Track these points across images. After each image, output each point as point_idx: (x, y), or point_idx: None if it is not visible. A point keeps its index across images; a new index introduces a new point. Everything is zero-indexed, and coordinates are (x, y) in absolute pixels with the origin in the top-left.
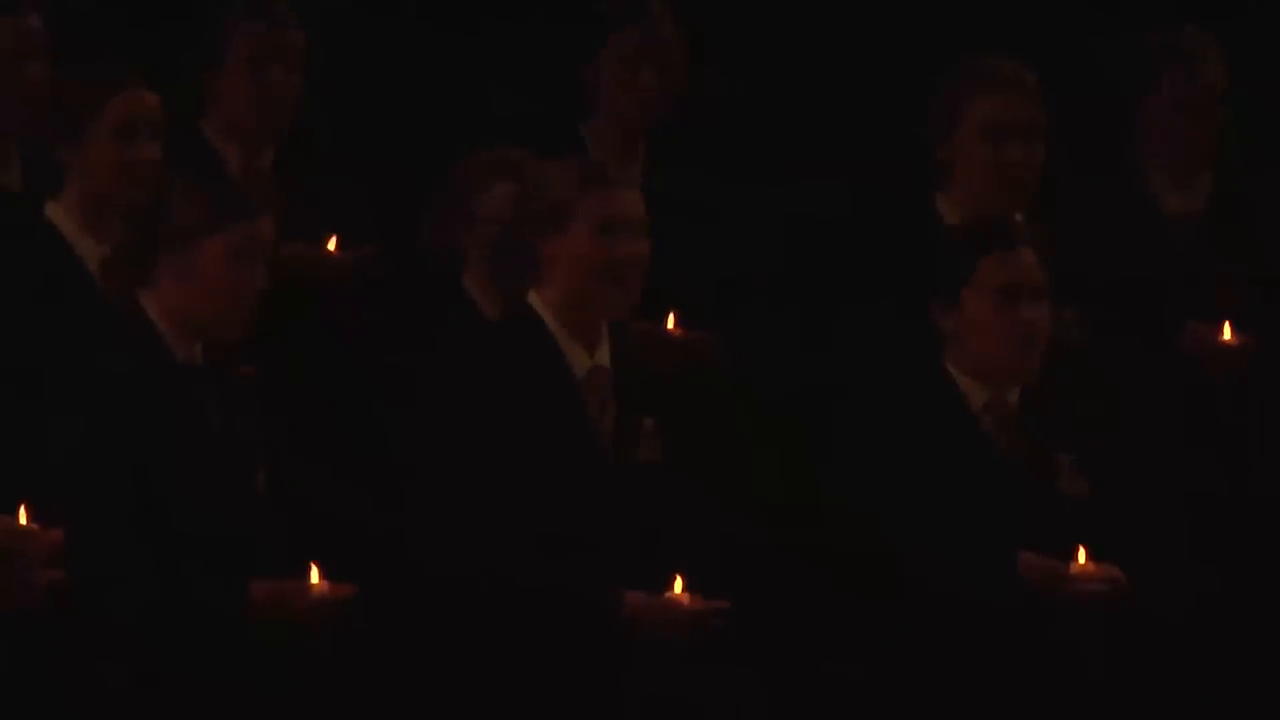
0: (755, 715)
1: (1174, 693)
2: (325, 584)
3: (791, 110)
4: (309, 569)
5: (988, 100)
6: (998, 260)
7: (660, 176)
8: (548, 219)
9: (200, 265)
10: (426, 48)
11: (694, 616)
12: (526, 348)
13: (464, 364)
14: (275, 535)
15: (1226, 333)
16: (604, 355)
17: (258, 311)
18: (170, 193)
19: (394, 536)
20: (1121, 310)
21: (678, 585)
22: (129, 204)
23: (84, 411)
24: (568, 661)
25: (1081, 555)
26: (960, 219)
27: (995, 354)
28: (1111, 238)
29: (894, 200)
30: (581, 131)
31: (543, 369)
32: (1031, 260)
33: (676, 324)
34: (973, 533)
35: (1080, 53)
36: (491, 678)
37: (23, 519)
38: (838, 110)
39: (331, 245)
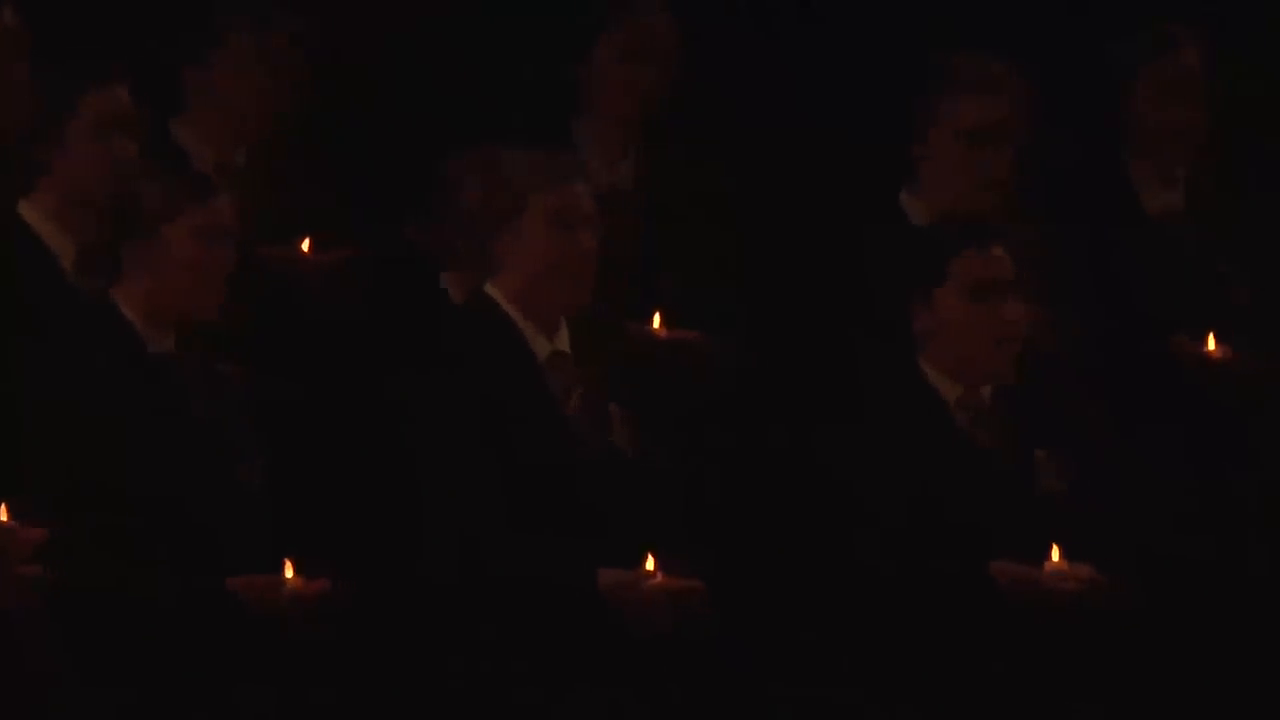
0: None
1: (1147, 689)
2: (300, 579)
3: (770, 107)
4: (284, 565)
5: (962, 102)
6: (970, 257)
7: (652, 173)
8: (500, 213)
9: (165, 250)
10: (414, 45)
11: (668, 594)
12: (485, 333)
13: (429, 352)
14: (253, 527)
15: (1211, 344)
16: (564, 341)
17: (226, 295)
18: (134, 185)
19: (372, 527)
20: (1105, 311)
21: (650, 563)
22: (104, 201)
23: (61, 408)
24: (544, 641)
25: (1055, 553)
26: (929, 218)
27: (970, 351)
28: (1095, 238)
29: (863, 199)
30: (573, 129)
31: (502, 353)
32: (1004, 257)
33: (663, 324)
34: (949, 530)
35: (1065, 49)
36: (468, 659)
37: (4, 516)
38: (814, 107)
39: (305, 246)
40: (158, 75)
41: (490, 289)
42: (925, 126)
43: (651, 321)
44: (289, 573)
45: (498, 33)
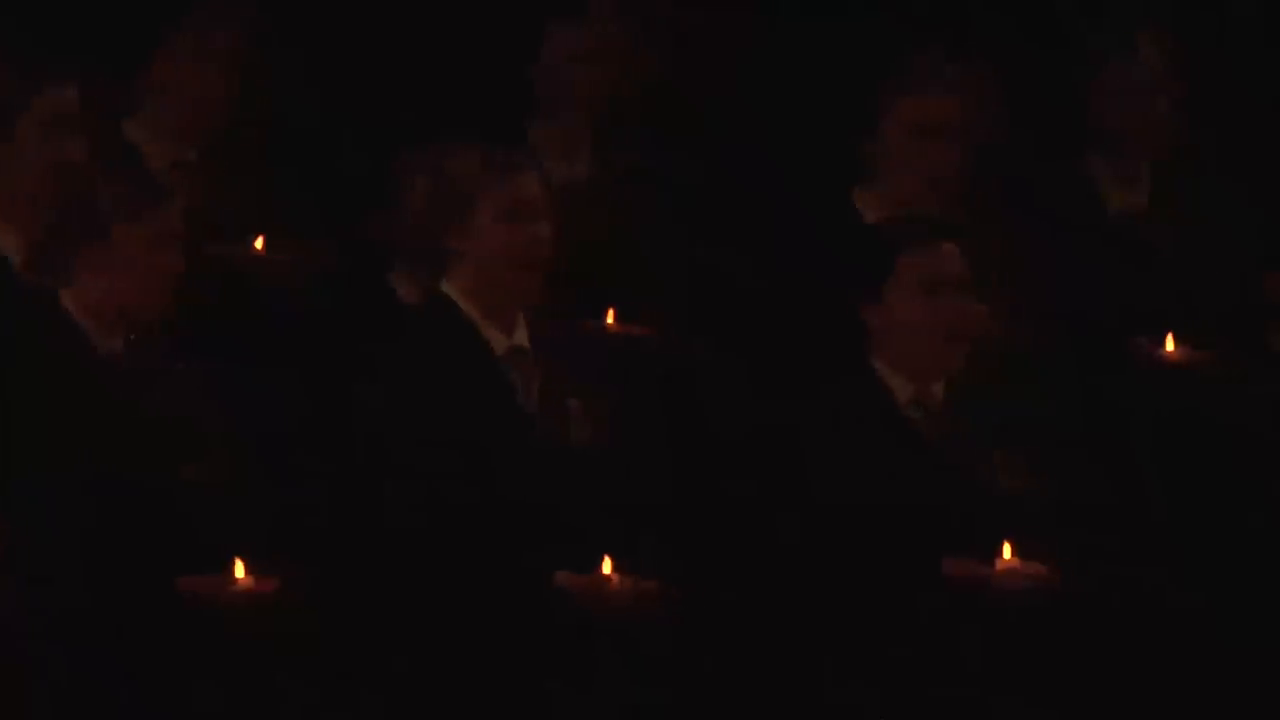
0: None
1: (1097, 687)
2: (250, 578)
3: (724, 104)
4: (233, 563)
5: (914, 98)
6: (921, 254)
7: (607, 171)
8: (451, 209)
9: (115, 251)
10: (368, 44)
11: (623, 597)
12: (442, 329)
13: (386, 349)
14: (201, 528)
15: (1170, 345)
16: (522, 336)
17: (175, 297)
18: (87, 187)
19: (327, 525)
20: (1063, 310)
21: (606, 565)
22: (54, 201)
23: (10, 409)
24: (499, 640)
25: (1007, 551)
26: (881, 215)
27: (921, 347)
28: (1052, 236)
29: (816, 196)
30: (527, 129)
31: (460, 350)
32: (955, 253)
33: (616, 320)
34: (901, 527)
35: (1027, 46)
36: (424, 657)
37: None
38: (768, 103)
39: (259, 244)
40: (110, 75)
41: (446, 286)
42: (878, 123)
43: (605, 318)
44: (240, 572)
45: (454, 32)
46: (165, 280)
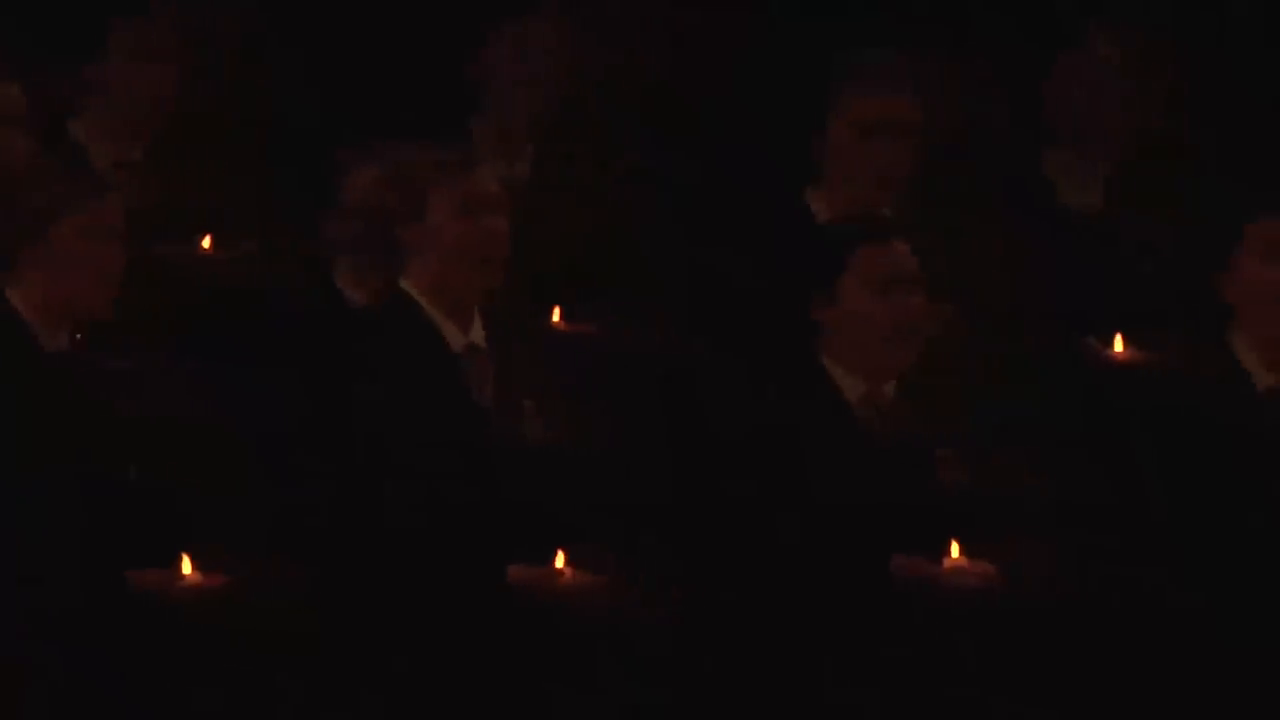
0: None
1: (1044, 685)
2: (197, 574)
3: (674, 101)
4: (180, 559)
5: (862, 96)
6: (873, 251)
7: (550, 170)
8: (406, 205)
9: (58, 248)
10: (313, 42)
11: (577, 591)
12: (399, 329)
13: (336, 355)
14: (147, 524)
15: (1119, 345)
16: (478, 333)
17: (122, 294)
18: (29, 184)
19: (279, 520)
20: (1010, 308)
21: (560, 559)
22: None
23: None
24: (452, 635)
25: (955, 549)
26: (832, 214)
27: (872, 345)
28: (1006, 232)
29: (766, 195)
30: (470, 126)
31: (417, 348)
32: (906, 251)
33: (562, 318)
34: (849, 525)
35: (989, 41)
36: (379, 653)
37: None
38: (718, 101)
39: (206, 244)
40: (54, 74)
41: (403, 282)
42: (824, 123)
43: (550, 316)
44: (186, 567)
45: (397, 29)
46: (109, 276)
